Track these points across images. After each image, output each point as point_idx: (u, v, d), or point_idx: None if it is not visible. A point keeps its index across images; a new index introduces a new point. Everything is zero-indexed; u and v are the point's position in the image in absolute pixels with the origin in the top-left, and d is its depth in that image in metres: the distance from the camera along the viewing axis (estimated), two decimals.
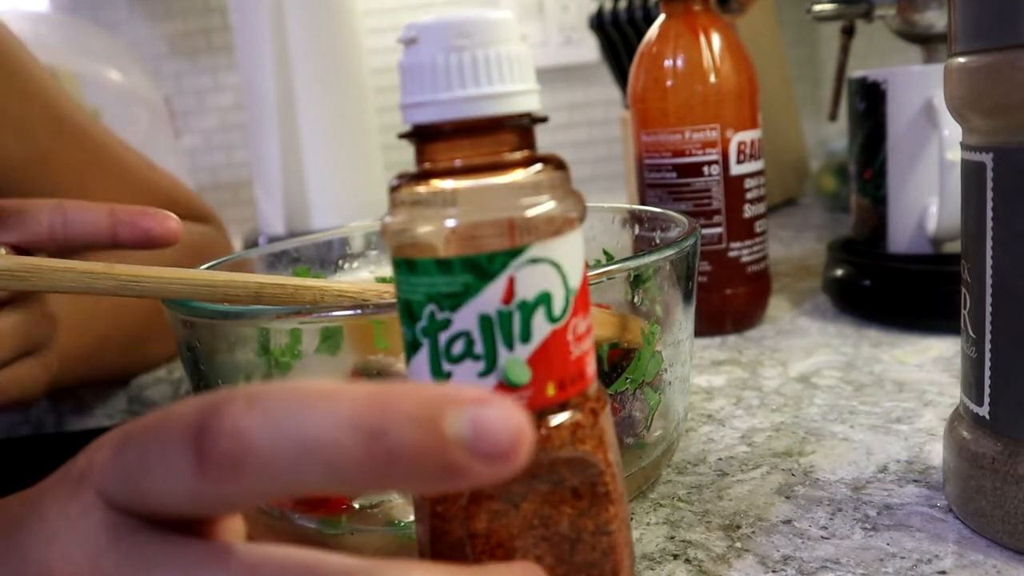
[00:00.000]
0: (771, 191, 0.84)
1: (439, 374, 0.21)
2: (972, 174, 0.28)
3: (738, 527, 0.32)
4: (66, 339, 0.46)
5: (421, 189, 0.22)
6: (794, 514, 0.33)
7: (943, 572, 0.28)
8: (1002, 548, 0.29)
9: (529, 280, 0.21)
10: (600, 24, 0.92)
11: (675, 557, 0.30)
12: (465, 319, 0.21)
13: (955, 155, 0.50)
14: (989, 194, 0.27)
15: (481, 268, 0.21)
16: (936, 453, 0.36)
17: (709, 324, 0.56)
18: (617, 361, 0.34)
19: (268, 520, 0.32)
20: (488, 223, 0.21)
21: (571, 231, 0.22)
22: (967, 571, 0.28)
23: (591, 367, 0.23)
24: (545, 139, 0.87)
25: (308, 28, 0.92)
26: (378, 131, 1.03)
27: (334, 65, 0.95)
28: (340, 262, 0.48)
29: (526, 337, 0.21)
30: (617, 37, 0.92)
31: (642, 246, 0.43)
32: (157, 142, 1.03)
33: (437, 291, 0.21)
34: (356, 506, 0.32)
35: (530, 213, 0.21)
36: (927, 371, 0.46)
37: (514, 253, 0.21)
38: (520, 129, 0.22)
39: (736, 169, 0.54)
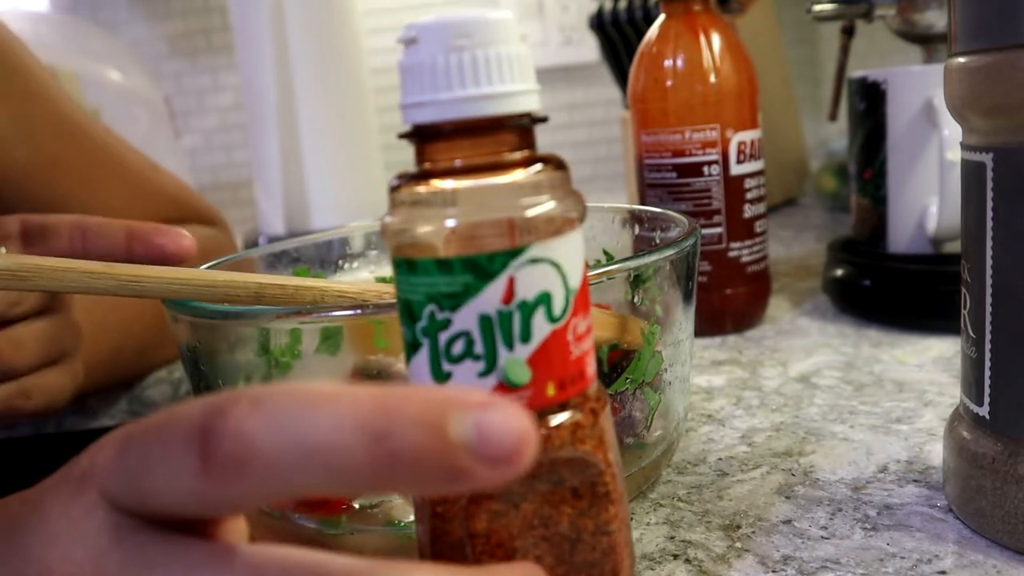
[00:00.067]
0: (771, 191, 0.84)
1: (439, 374, 0.21)
2: (972, 174, 0.28)
3: (738, 527, 0.32)
4: (83, 349, 0.46)
5: (421, 189, 0.22)
6: (794, 514, 0.33)
7: (943, 572, 0.28)
8: (1002, 548, 0.29)
9: (529, 280, 0.21)
10: (600, 24, 0.92)
11: (675, 557, 0.31)
12: (465, 319, 0.21)
13: (955, 155, 0.50)
14: (989, 194, 0.27)
15: (481, 268, 0.21)
16: (936, 453, 0.36)
17: (709, 324, 0.56)
18: (617, 361, 0.34)
19: (268, 520, 0.32)
20: (488, 223, 0.21)
21: (571, 231, 0.22)
22: (967, 571, 0.28)
23: (591, 367, 0.23)
24: (545, 139, 0.87)
25: (308, 28, 0.93)
26: (378, 131, 1.03)
27: (334, 65, 0.95)
28: (340, 262, 0.48)
29: (526, 337, 0.21)
30: (617, 37, 0.92)
31: (642, 246, 0.43)
32: (157, 142, 1.03)
33: (437, 291, 0.21)
34: (356, 506, 0.32)
35: (530, 213, 0.21)
36: (927, 371, 0.46)
37: (514, 253, 0.21)
38: (520, 129, 0.22)
39: (736, 169, 0.54)
